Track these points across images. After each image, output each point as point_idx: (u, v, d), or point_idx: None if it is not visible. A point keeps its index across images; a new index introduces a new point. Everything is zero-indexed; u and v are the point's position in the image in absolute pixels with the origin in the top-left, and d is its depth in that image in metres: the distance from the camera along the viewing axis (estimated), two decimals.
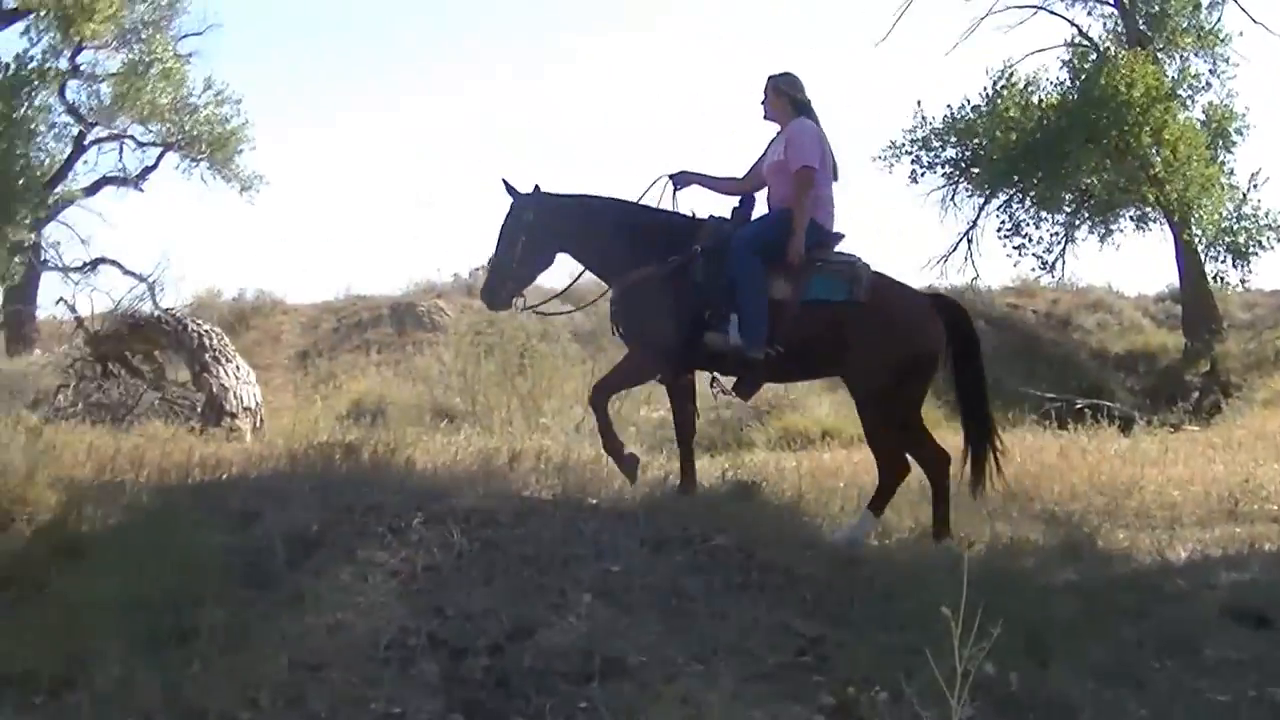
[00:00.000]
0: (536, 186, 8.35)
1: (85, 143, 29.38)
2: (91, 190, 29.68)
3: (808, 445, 14.38)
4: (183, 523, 6.66)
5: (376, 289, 31.17)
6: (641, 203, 8.45)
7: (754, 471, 8.78)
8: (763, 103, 8.36)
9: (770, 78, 8.32)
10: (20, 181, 26.18)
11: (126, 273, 27.29)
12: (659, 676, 5.24)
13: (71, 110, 29.05)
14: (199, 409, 11.55)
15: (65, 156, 29.01)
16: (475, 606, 5.81)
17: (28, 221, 26.43)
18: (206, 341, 12.29)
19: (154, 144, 29.85)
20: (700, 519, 6.85)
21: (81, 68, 28.78)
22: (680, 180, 8.43)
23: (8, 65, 27.38)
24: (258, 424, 11.25)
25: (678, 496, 7.72)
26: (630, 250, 8.07)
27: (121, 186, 29.86)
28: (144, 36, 28.54)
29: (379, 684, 5.23)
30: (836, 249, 8.09)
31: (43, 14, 26.82)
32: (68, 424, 9.89)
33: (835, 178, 8.24)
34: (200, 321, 13.07)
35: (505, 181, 8.31)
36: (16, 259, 26.30)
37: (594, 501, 7.30)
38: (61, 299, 16.12)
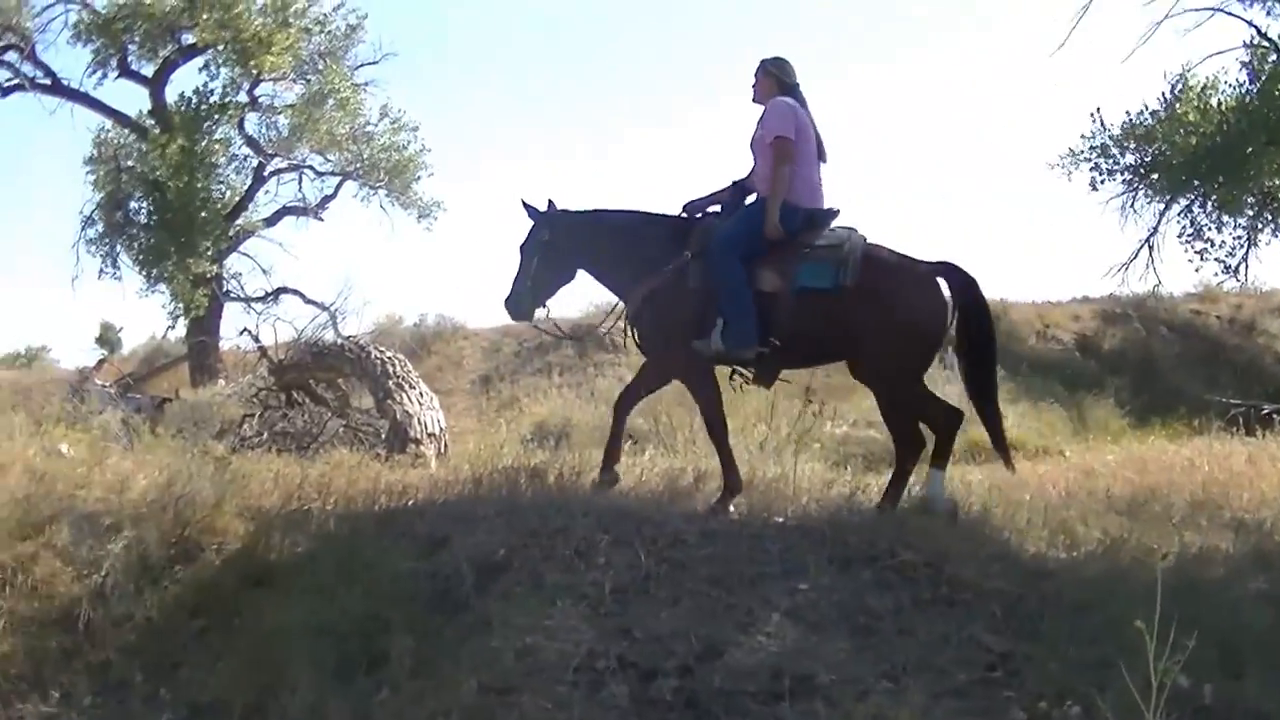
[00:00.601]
0: (551, 204, 8.56)
1: (265, 174, 29.97)
2: (272, 221, 30.30)
3: (992, 459, 14.06)
4: (370, 549, 6.68)
5: (557, 312, 31.31)
6: (649, 211, 8.50)
7: None
8: (753, 86, 8.30)
9: (761, 61, 8.26)
10: (202, 214, 26.81)
11: (308, 301, 27.70)
12: (849, 695, 5.18)
13: (251, 142, 29.66)
14: (383, 436, 11.60)
15: (246, 188, 29.67)
16: (664, 628, 5.76)
17: (210, 253, 27.02)
18: (390, 368, 12.33)
19: (332, 173, 30.38)
20: (887, 535, 6.70)
21: (260, 100, 29.35)
22: (692, 210, 8.42)
23: (189, 100, 28.04)
24: (442, 449, 11.25)
25: (865, 514, 7.55)
26: (637, 261, 8.13)
27: (301, 216, 30.46)
28: (320, 68, 29.03)
29: (568, 707, 5.24)
30: (833, 226, 7.97)
31: (221, 49, 27.41)
32: (254, 453, 9.98)
33: (822, 158, 8.13)
34: (383, 348, 13.12)
35: (523, 201, 8.53)
36: (200, 290, 26.87)
37: (780, 520, 7.17)
38: (245, 329, 16.33)
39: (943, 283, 7.71)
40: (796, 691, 5.20)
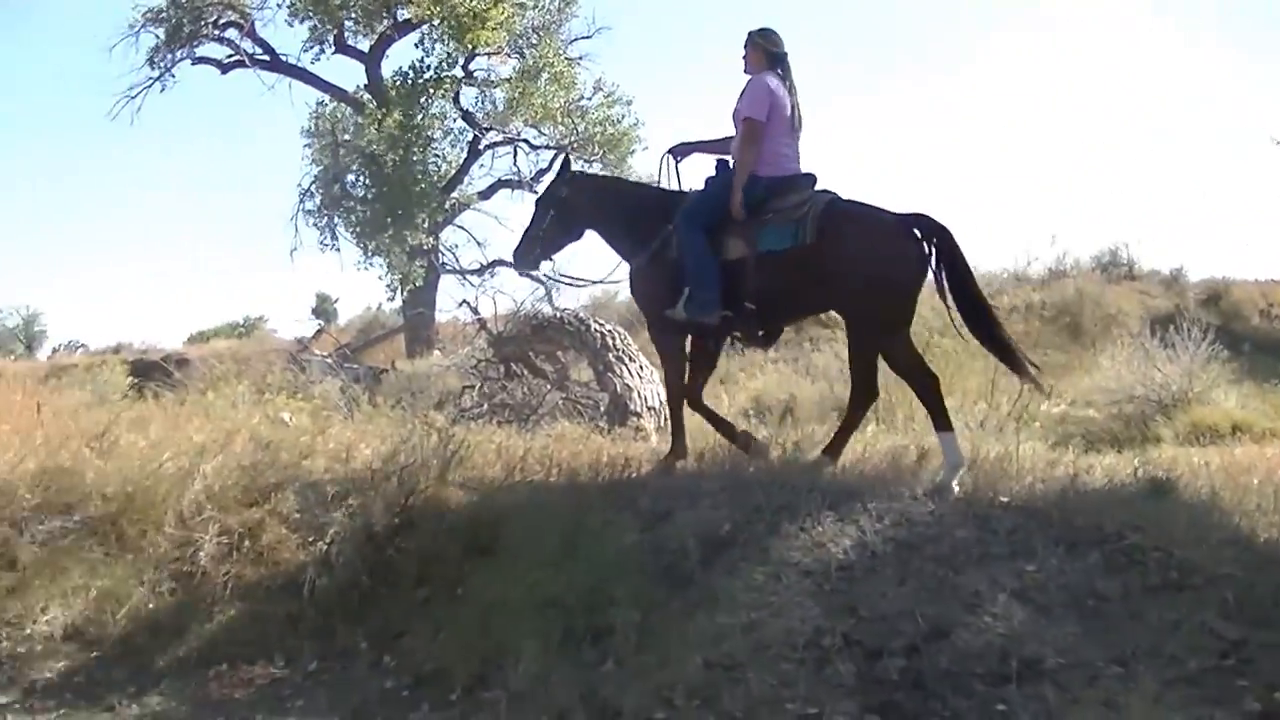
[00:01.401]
0: (571, 166, 9.30)
1: (480, 148, 30.24)
2: (487, 194, 30.71)
3: (1217, 440, 13.53)
4: (594, 522, 6.61)
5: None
6: (659, 184, 8.83)
7: (1164, 467, 8.20)
8: (743, 58, 8.39)
9: (749, 33, 8.39)
10: (418, 187, 27.15)
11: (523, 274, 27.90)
12: (1078, 679, 5.05)
13: (466, 116, 30.01)
14: (602, 409, 11.55)
15: (461, 162, 30.01)
16: (890, 607, 5.63)
17: (426, 226, 27.37)
18: (609, 341, 12.27)
19: (547, 147, 30.56)
20: (1114, 517, 6.40)
21: (475, 74, 29.66)
22: (680, 152, 8.71)
23: (404, 74, 28.44)
24: (661, 423, 11.17)
25: (1091, 495, 7.23)
26: (637, 231, 8.41)
27: (516, 189, 30.64)
28: (534, 42, 29.22)
29: (794, 684, 5.16)
30: (811, 190, 7.98)
31: (437, 24, 27.73)
32: (474, 425, 10.00)
33: (796, 128, 8.21)
34: (602, 321, 13.08)
35: (565, 160, 9.25)
36: (416, 263, 27.26)
37: (1005, 499, 6.90)
38: (465, 301, 16.46)
39: (909, 230, 7.62)
40: (1024, 675, 5.07)
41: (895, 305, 7.63)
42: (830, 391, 14.72)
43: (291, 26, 29.61)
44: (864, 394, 7.85)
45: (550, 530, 6.55)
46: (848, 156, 63.19)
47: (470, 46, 28.06)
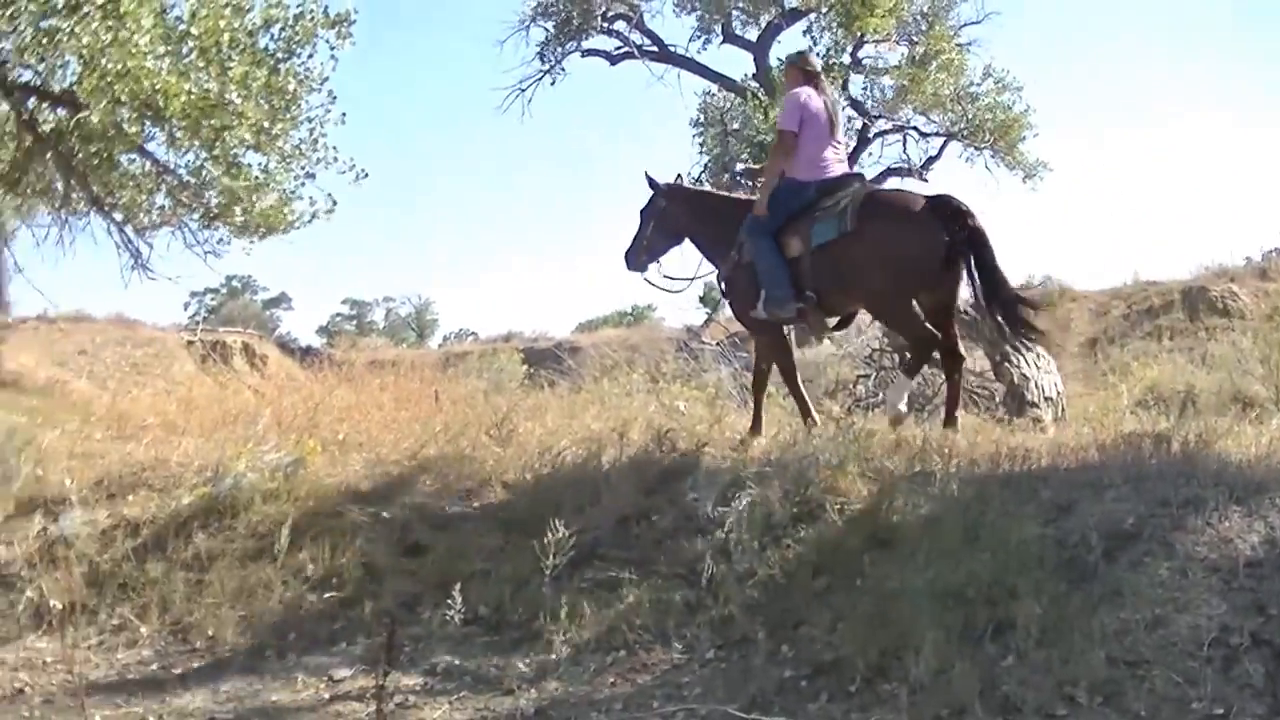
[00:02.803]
0: (677, 179, 10.12)
1: (869, 135, 30.16)
2: (877, 182, 30.32)
3: None
4: (994, 514, 6.45)
5: (1166, 274, 30.24)
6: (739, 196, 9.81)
7: None
8: (783, 79, 9.50)
9: (788, 56, 9.83)
10: None
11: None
12: None
13: (855, 104, 30.01)
14: (998, 399, 11.32)
15: (850, 150, 29.79)
16: None
17: None
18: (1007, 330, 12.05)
19: (936, 134, 30.29)
20: None
21: (864, 62, 29.56)
22: (746, 174, 9.75)
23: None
24: (1059, 414, 10.88)
25: None
26: (724, 240, 9.27)
27: (906, 177, 30.51)
28: (923, 29, 28.90)
29: (1199, 684, 5.00)
30: (851, 185, 8.87)
31: (824, 12, 27.72)
32: (869, 414, 9.92)
33: (833, 134, 9.06)
34: None
35: (646, 174, 9.94)
36: None
37: None
38: None
39: (937, 212, 8.34)
40: None
41: (923, 279, 8.38)
42: (1230, 382, 14.05)
43: (679, 17, 30.25)
44: (949, 358, 8.71)
45: (950, 521, 6.43)
46: None
47: (858, 34, 27.99)
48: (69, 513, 8.46)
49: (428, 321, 46.47)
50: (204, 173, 14.12)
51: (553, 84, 30.57)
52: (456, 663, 6.42)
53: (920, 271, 8.36)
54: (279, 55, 13.94)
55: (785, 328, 9.40)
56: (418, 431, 9.01)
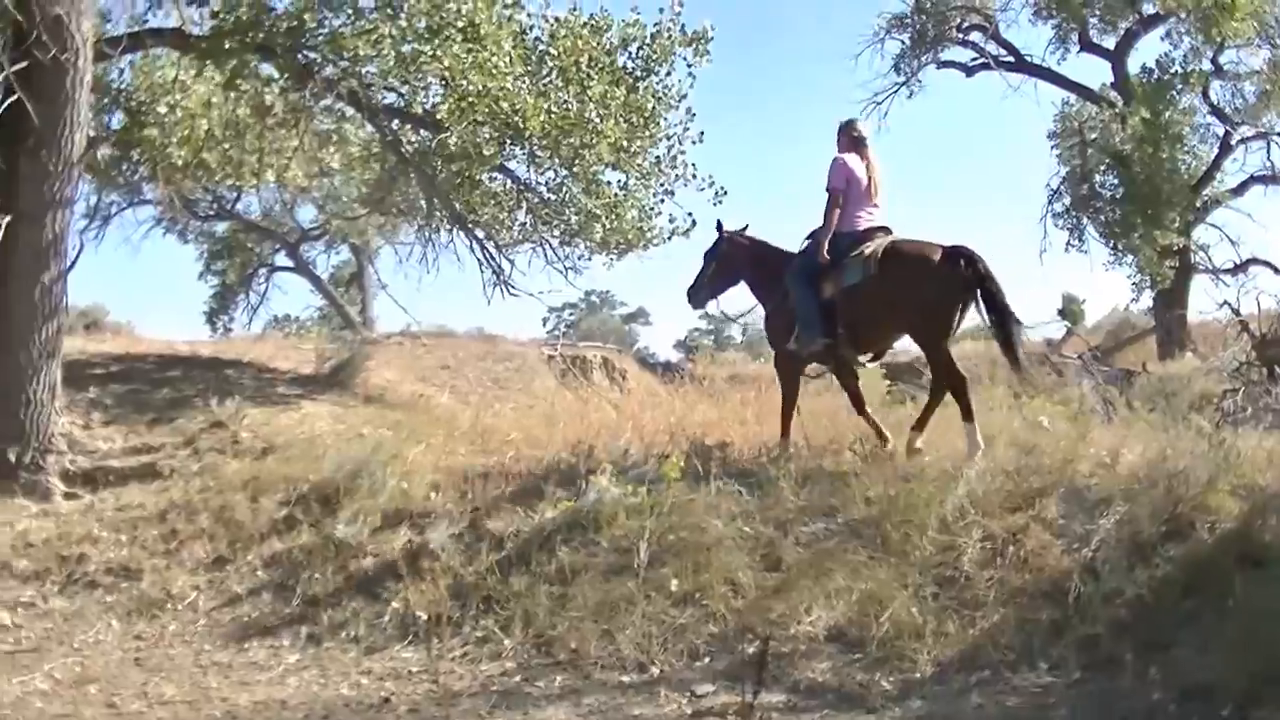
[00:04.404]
0: (724, 228, 11.13)
1: (1231, 143, 28.98)
2: (1239, 190, 29.32)
3: None
4: None
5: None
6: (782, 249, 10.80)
7: None
8: (837, 142, 10.44)
9: (840, 123, 10.59)
10: (1168, 186, 26.38)
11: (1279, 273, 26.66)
12: None
13: (1216, 111, 28.87)
14: None
15: (1212, 158, 28.85)
16: None
17: (1177, 225, 26.59)
18: None
19: None
20: None
21: (1224, 67, 28.48)
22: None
23: (1150, 71, 27.75)
24: None
25: None
26: (767, 284, 10.56)
27: (1270, 185, 29.13)
28: None
29: None
30: (879, 237, 9.85)
31: (1183, 16, 26.85)
32: (1239, 430, 9.55)
33: (872, 196, 10.10)
34: None
35: (718, 222, 11.23)
36: (1166, 263, 26.52)
37: None
38: (1225, 302, 15.83)
39: (951, 259, 9.35)
40: None
41: (944, 320, 9.42)
42: None
43: (1035, 26, 29.66)
44: (940, 382, 9.44)
45: None
46: None
47: (1218, 39, 26.96)
48: (435, 526, 8.83)
49: None
50: (564, 190, 14.51)
51: (909, 96, 30.39)
52: (819, 680, 6.44)
53: (941, 308, 9.39)
54: (637, 73, 14.24)
55: (804, 365, 10.56)
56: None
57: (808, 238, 10.30)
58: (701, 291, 11.13)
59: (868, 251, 9.62)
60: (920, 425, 9.39)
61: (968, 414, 8.99)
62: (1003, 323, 9.33)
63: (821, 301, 9.82)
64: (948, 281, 9.33)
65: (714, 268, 11.05)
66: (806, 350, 9.97)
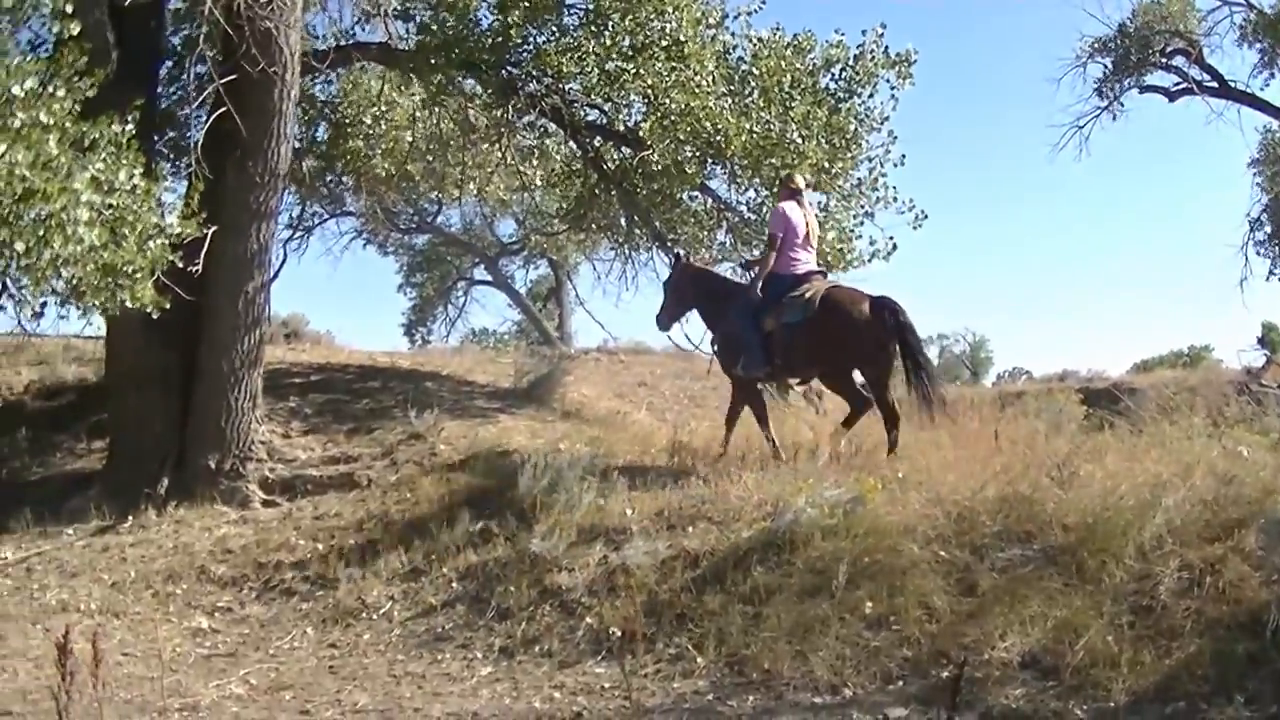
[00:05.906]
0: (683, 259, 13.10)
1: None
2: None
3: None
4: None
5: None
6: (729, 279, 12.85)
7: None
8: (778, 194, 12.40)
9: (780, 177, 12.74)
10: None
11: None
12: None
13: None
14: None
15: None
16: None
17: None
18: None
19: None
20: None
21: None
22: (746, 265, 13.11)
23: None
24: None
25: None
26: (715, 311, 12.17)
27: None
28: None
29: None
30: (816, 280, 11.56)
31: None
32: None
33: (809, 240, 11.78)
34: None
35: (677, 253, 13.62)
36: None
37: None
38: None
39: (877, 309, 10.97)
40: None
41: (875, 351, 11.02)
42: None
43: (1240, 50, 28.95)
44: (887, 417, 11.02)
45: None
46: None
47: None
48: (630, 542, 8.91)
49: (982, 360, 45.92)
50: (765, 210, 14.53)
51: (1113, 119, 29.89)
52: (1013, 706, 6.38)
53: (860, 351, 11.12)
54: (839, 95, 14.30)
55: (756, 382, 11.88)
56: (977, 471, 8.98)
57: (748, 271, 12.30)
58: (663, 317, 12.70)
59: (808, 294, 11.23)
60: (848, 423, 11.17)
61: (892, 449, 10.70)
62: (916, 367, 10.94)
63: (763, 335, 11.38)
64: (873, 328, 10.91)
65: (672, 295, 12.61)
66: (751, 374, 11.57)
